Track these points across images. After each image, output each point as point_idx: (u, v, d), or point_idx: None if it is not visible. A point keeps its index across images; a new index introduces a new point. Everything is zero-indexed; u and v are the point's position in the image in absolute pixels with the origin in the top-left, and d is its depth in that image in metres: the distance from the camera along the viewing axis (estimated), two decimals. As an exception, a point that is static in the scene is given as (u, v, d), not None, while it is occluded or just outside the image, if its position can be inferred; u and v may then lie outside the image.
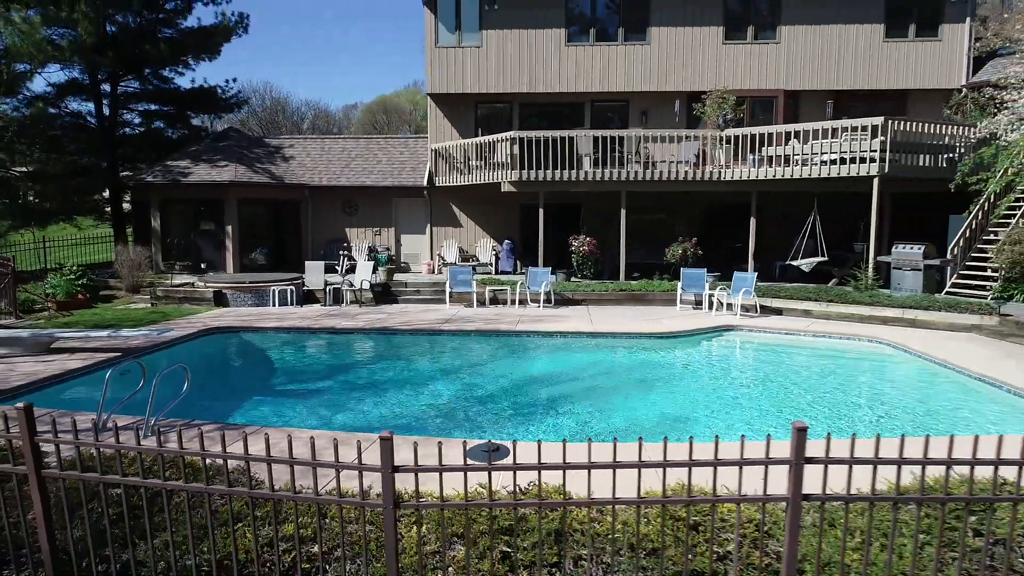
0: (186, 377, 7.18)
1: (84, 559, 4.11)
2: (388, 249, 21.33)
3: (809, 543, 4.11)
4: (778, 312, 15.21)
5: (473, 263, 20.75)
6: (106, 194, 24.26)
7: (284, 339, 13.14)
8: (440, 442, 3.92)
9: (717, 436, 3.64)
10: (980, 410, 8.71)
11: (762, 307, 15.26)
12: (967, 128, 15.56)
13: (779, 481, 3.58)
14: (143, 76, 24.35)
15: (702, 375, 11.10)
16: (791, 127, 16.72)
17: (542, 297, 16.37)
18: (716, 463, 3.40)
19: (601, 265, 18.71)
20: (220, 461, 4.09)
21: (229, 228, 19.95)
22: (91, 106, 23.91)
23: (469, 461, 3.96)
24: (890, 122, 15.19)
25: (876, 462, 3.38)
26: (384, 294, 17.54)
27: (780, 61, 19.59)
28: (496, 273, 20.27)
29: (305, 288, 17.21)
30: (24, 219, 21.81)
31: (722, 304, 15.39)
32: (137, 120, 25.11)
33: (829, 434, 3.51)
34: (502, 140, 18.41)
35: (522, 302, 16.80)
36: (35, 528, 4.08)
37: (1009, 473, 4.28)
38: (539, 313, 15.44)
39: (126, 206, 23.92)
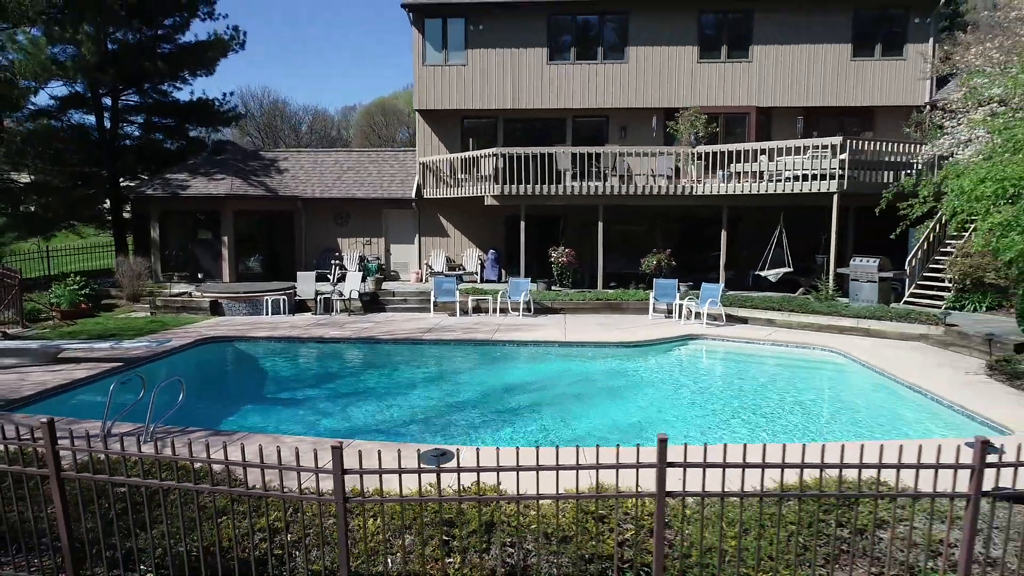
0: (181, 389, 8.04)
1: (95, 546, 4.99)
2: (378, 258, 22.21)
3: (697, 532, 4.99)
4: (744, 321, 16.11)
5: (460, 272, 21.63)
6: (107, 204, 25.15)
7: (275, 348, 14.03)
8: (399, 448, 4.79)
9: (598, 445, 4.53)
10: (902, 415, 9.60)
11: (729, 316, 16.15)
12: (920, 146, 16.42)
13: (679, 480, 4.46)
14: (143, 90, 25.25)
15: (662, 384, 11.97)
16: (757, 145, 17.61)
17: (522, 306, 17.25)
18: (598, 467, 4.28)
19: (580, 274, 19.58)
20: (207, 465, 4.96)
21: (225, 239, 20.84)
22: (92, 119, 24.84)
23: (422, 464, 4.85)
24: (849, 141, 16.10)
25: (724, 466, 4.27)
26: (372, 303, 18.42)
27: (752, 79, 20.47)
28: (481, 281, 21.17)
29: (297, 298, 18.09)
30: (28, 229, 22.70)
31: (691, 313, 16.27)
32: (137, 132, 25.97)
33: (686, 444, 4.40)
34: (486, 155, 19.30)
35: (503, 310, 17.68)
36: (54, 520, 4.95)
37: (887, 474, 5.15)
38: (518, 322, 16.32)
39: (126, 215, 24.79)
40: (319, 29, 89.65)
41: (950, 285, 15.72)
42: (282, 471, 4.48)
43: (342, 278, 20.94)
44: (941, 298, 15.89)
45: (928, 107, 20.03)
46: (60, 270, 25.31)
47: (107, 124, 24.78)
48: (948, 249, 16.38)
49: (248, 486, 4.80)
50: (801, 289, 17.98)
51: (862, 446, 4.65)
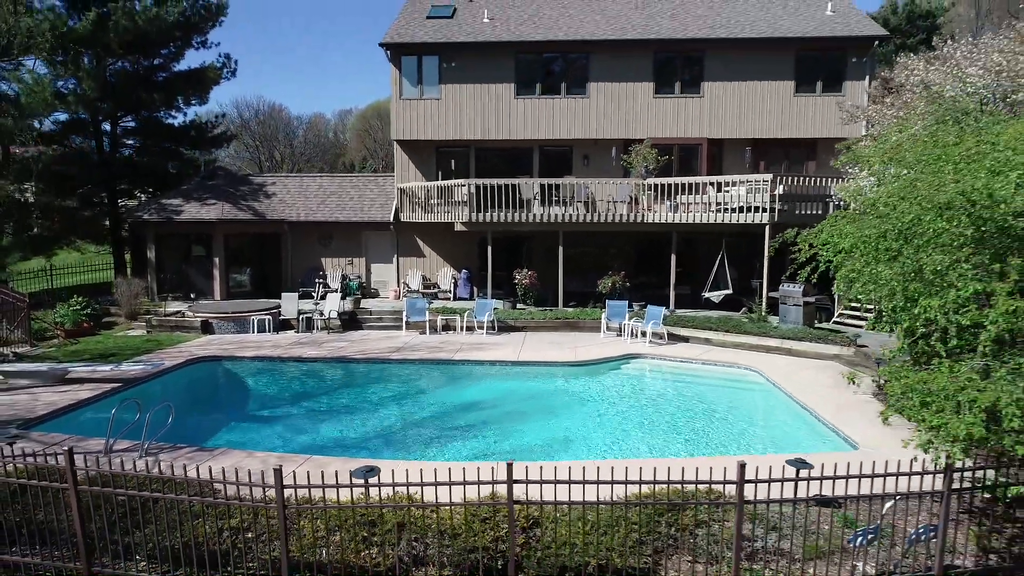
0: (171, 412, 9.69)
1: (101, 541, 6.64)
2: (359, 277, 23.88)
3: (560, 530, 6.64)
4: (685, 340, 17.76)
5: (435, 290, 23.32)
6: (107, 223, 26.77)
7: (257, 368, 15.69)
8: (341, 463, 6.46)
9: (451, 466, 6.20)
10: (787, 432, 11.28)
11: (672, 335, 17.81)
12: (835, 181, 18.11)
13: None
14: (140, 116, 26.90)
15: (597, 401, 13.62)
16: (700, 179, 19.33)
17: (486, 325, 18.91)
18: (465, 483, 5.95)
19: (543, 293, 21.21)
20: (187, 475, 6.61)
21: (217, 259, 22.50)
22: (93, 143, 26.45)
23: (354, 480, 6.53)
24: (778, 178, 17.79)
25: (555, 482, 5.93)
26: (351, 321, 20.06)
27: (704, 113, 22.17)
28: (455, 299, 22.82)
29: (281, 317, 19.73)
30: (33, 248, 24.31)
31: (638, 332, 17.93)
32: (134, 156, 27.57)
33: (511, 462, 6.07)
34: (458, 185, 20.98)
35: (469, 328, 19.31)
36: (71, 522, 6.60)
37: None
38: (481, 341, 17.97)
39: (124, 233, 26.40)
40: (315, 37, 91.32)
41: (872, 307, 17.42)
42: (239, 486, 6.15)
43: (325, 296, 22.67)
44: (864, 319, 17.58)
45: (866, 139, 21.71)
46: (62, 283, 26.99)
47: (106, 147, 26.42)
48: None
49: (222, 496, 6.47)
50: (744, 308, 19.64)
51: (714, 460, 6.32)
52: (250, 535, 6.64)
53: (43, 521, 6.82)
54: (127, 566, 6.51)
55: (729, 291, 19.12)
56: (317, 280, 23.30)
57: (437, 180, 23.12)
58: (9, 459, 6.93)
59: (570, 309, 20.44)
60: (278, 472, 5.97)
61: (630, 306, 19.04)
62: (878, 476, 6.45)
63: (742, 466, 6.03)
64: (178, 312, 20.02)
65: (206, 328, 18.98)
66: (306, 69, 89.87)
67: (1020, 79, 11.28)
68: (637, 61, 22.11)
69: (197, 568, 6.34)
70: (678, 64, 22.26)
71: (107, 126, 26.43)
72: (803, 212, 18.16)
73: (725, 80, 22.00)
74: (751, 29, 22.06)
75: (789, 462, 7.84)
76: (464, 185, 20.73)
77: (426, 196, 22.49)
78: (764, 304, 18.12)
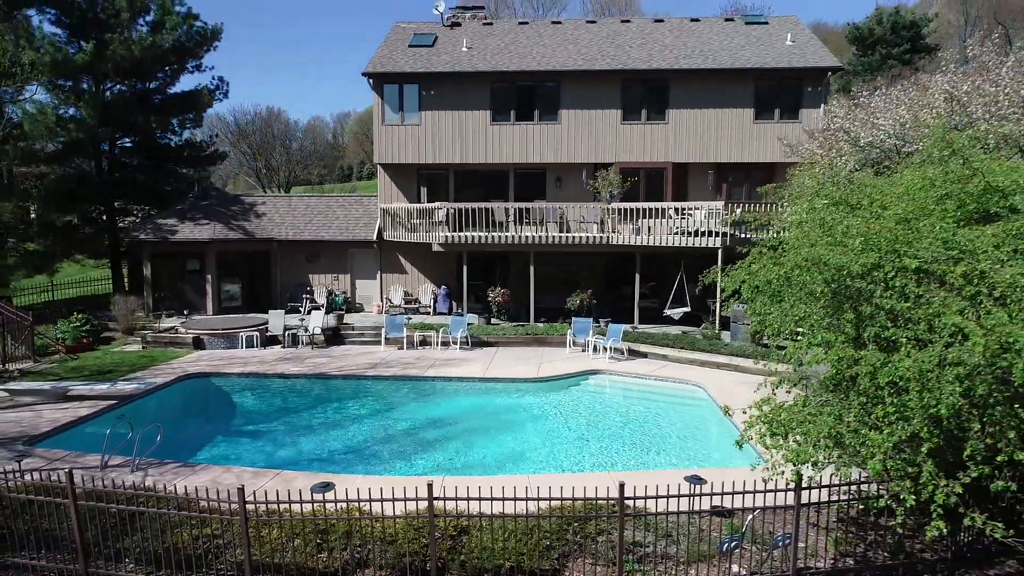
0: (159, 432, 10.97)
1: (96, 547, 7.92)
2: (344, 292, 25.18)
3: (484, 537, 7.93)
4: (644, 356, 19.03)
5: (416, 305, 24.63)
6: (105, 240, 28.09)
7: (243, 384, 16.97)
8: (301, 484, 7.74)
9: (400, 481, 7.48)
10: (715, 444, 12.57)
11: (633, 351, 19.08)
12: (775, 208, 19.42)
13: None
14: (137, 137, 28.22)
15: (551, 417, 14.88)
16: (659, 204, 20.69)
17: (459, 341, 20.19)
18: (405, 499, 7.24)
19: (516, 309, 22.49)
20: (167, 491, 7.89)
21: (209, 277, 23.82)
22: (92, 163, 27.77)
23: (312, 495, 7.84)
24: (730, 205, 19.10)
25: (480, 499, 7.22)
26: (334, 337, 21.35)
27: (669, 139, 23.46)
28: (434, 314, 24.12)
29: (269, 333, 21.01)
30: (35, 267, 25.63)
31: (602, 348, 19.20)
32: (132, 175, 28.87)
33: (431, 484, 7.35)
34: (436, 208, 22.31)
35: (444, 344, 20.57)
36: (70, 530, 7.88)
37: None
38: (454, 356, 19.25)
39: (122, 249, 27.71)
40: (313, 46, 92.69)
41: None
42: (208, 501, 7.44)
43: (311, 311, 23.98)
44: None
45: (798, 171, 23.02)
46: (62, 295, 28.32)
47: (105, 167, 27.74)
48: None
49: (197, 509, 7.76)
50: (704, 325, 20.92)
51: (620, 480, 7.58)
52: (220, 542, 7.92)
53: (47, 529, 8.09)
54: (118, 568, 7.79)
55: (688, 308, 20.41)
56: (304, 296, 24.60)
57: (418, 200, 24.47)
58: (18, 475, 8.23)
59: (540, 325, 21.71)
60: (241, 491, 7.26)
61: (596, 322, 20.34)
62: (748, 493, 7.73)
63: (621, 485, 7.31)
64: (172, 328, 21.30)
65: (198, 344, 20.26)
66: (307, 71, 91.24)
67: (921, 130, 12.55)
68: (605, 90, 23.41)
69: (176, 570, 7.63)
70: (644, 92, 23.55)
71: (106, 146, 27.73)
72: (754, 237, 19.40)
73: (689, 108, 23.29)
74: (713, 60, 23.37)
75: (687, 478, 9.11)
76: (442, 208, 22.03)
77: (407, 216, 23.78)
78: (718, 322, 19.39)
